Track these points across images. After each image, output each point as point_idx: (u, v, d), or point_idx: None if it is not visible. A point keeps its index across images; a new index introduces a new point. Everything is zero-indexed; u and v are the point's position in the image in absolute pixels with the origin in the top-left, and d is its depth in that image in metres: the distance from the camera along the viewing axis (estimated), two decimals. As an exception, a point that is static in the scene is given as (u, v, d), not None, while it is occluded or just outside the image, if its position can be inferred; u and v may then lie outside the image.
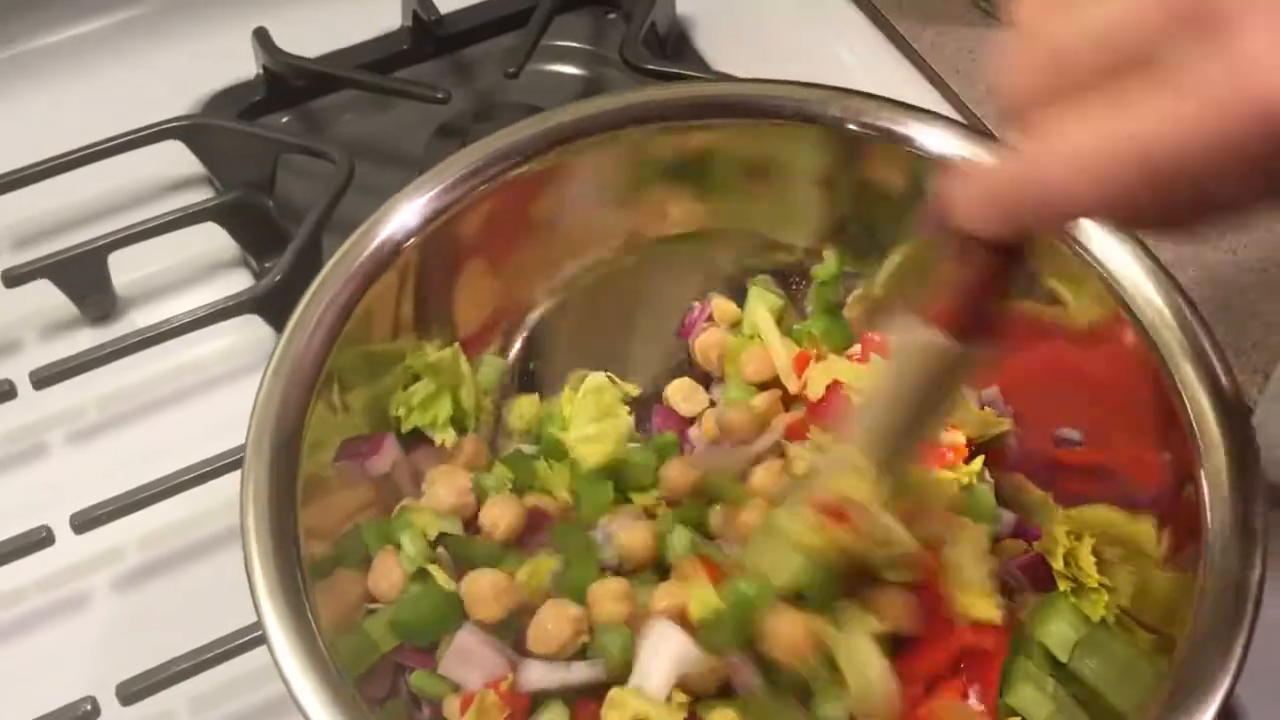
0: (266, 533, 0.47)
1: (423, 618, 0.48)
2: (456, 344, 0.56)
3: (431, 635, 0.48)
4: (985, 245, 0.38)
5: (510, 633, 0.48)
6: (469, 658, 0.47)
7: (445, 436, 0.54)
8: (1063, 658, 0.48)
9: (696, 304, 0.60)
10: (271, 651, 0.45)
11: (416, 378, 0.55)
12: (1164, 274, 0.49)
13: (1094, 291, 0.50)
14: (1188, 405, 0.47)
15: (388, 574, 0.50)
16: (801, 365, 0.56)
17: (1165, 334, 0.49)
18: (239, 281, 0.71)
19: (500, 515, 0.51)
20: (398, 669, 0.50)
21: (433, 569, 0.49)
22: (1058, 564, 0.49)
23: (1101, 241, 0.50)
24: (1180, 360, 0.48)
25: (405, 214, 0.54)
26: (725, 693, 0.46)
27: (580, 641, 0.47)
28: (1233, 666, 0.42)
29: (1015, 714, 0.47)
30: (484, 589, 0.48)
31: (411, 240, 0.53)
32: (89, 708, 0.53)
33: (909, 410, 0.44)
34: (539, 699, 0.47)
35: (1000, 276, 0.39)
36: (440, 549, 0.50)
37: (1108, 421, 0.51)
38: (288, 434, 0.49)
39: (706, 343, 0.58)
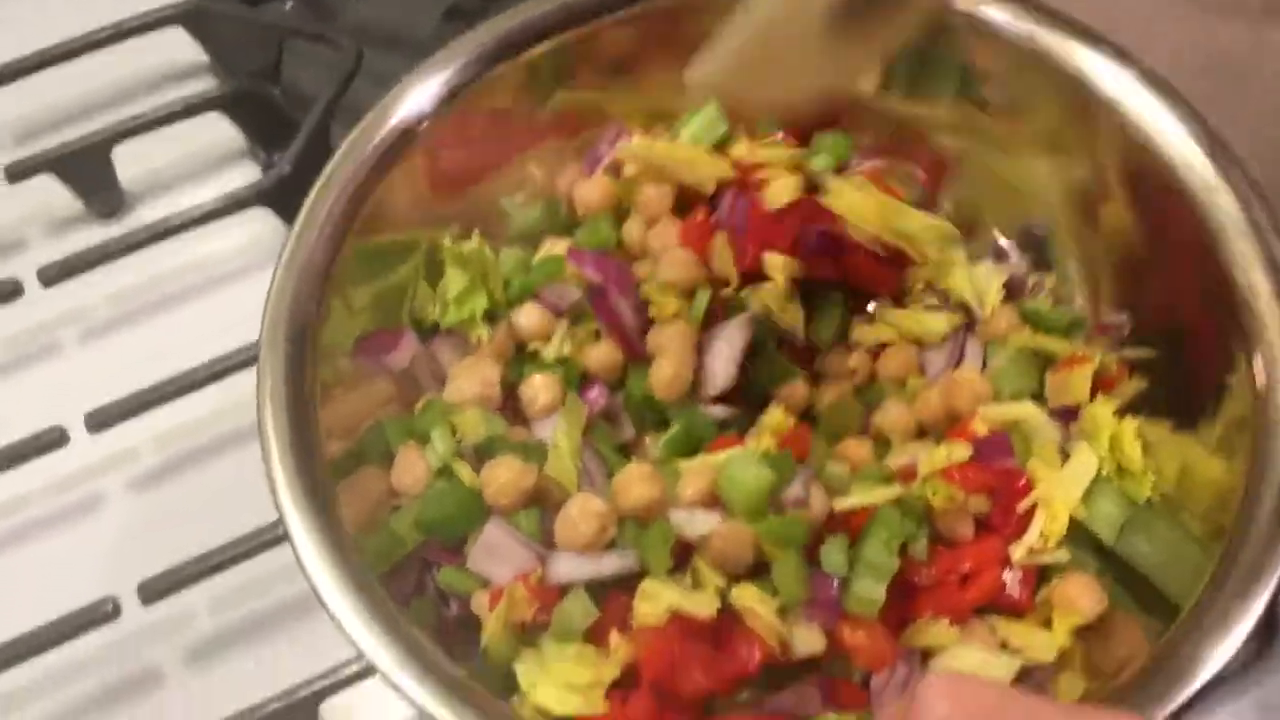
0: (285, 429, 0.45)
1: (448, 514, 0.47)
2: (477, 233, 0.54)
3: (458, 531, 0.47)
4: None
5: (538, 528, 0.47)
6: (497, 551, 0.46)
7: (481, 333, 0.53)
8: (1109, 540, 0.46)
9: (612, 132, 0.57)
10: (294, 548, 0.44)
11: (435, 270, 0.54)
12: (1221, 148, 0.46)
13: (1144, 163, 0.48)
14: (1242, 285, 0.45)
15: (411, 469, 0.48)
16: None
17: (1219, 209, 0.46)
18: (247, 174, 0.69)
19: (541, 389, 0.50)
20: (424, 565, 0.49)
21: (458, 465, 0.48)
22: (1101, 448, 0.47)
23: (1155, 113, 0.48)
24: (1234, 237, 0.46)
25: (418, 97, 0.51)
26: (758, 573, 0.45)
27: (608, 536, 0.46)
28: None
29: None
30: (505, 477, 0.46)
31: (425, 124, 0.51)
32: (110, 608, 0.53)
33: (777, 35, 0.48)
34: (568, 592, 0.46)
35: None
36: (464, 445, 0.49)
37: (1156, 304, 0.49)
38: (302, 328, 0.47)
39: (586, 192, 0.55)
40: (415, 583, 0.48)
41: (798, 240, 0.51)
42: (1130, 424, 0.47)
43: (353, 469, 0.48)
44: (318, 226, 0.49)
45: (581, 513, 0.46)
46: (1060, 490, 0.46)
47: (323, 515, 0.44)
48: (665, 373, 0.50)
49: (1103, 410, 0.48)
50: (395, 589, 0.44)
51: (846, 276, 0.53)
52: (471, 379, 0.50)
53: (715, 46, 0.54)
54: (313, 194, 0.49)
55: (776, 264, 0.51)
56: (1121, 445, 0.47)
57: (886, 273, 0.53)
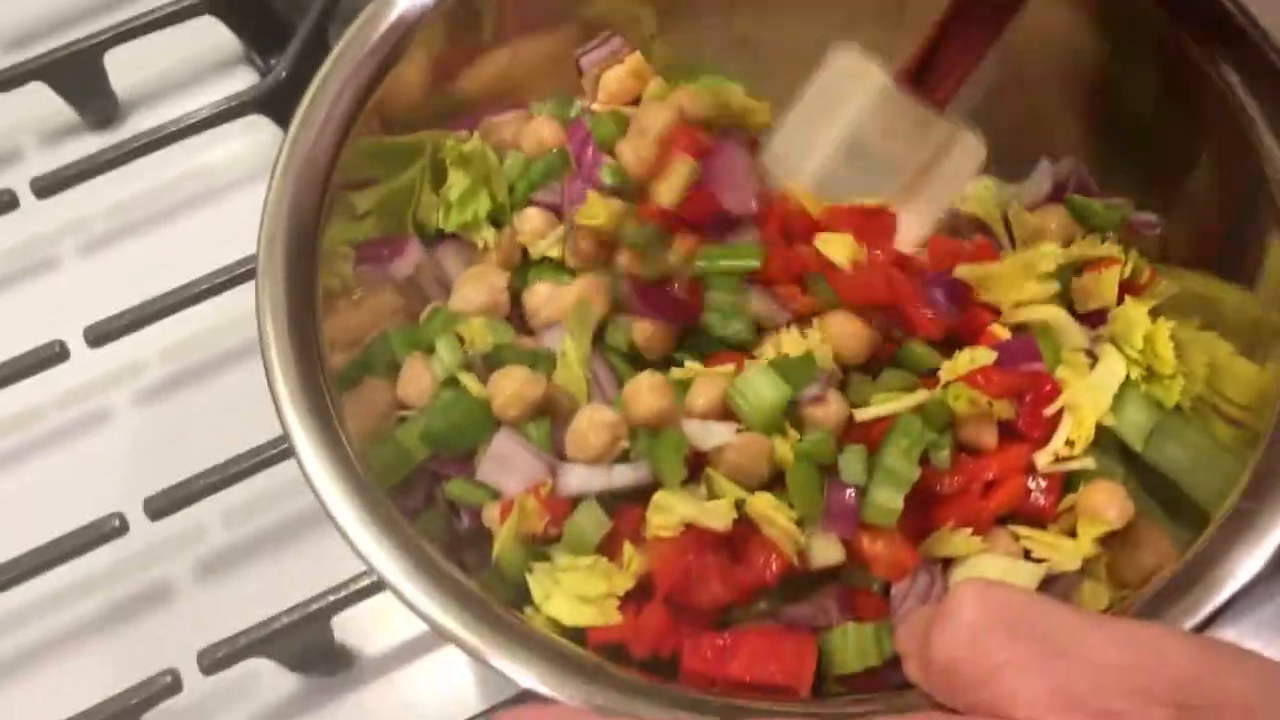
0: (286, 341, 0.44)
1: (455, 426, 0.46)
2: (478, 134, 0.52)
3: (465, 443, 0.46)
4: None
5: (548, 439, 0.46)
6: (507, 462, 0.45)
7: (486, 236, 0.51)
8: (1137, 446, 0.45)
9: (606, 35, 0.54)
10: (299, 462, 0.43)
11: (439, 175, 0.52)
12: (1257, 30, 0.44)
13: (1172, 55, 0.46)
14: (1274, 179, 0.43)
15: (416, 380, 0.47)
16: None
17: (1250, 99, 0.44)
18: (243, 81, 0.67)
19: (549, 298, 0.49)
20: (434, 478, 0.48)
21: (464, 376, 0.47)
22: (1134, 347, 0.46)
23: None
24: (1265, 129, 0.44)
25: (418, -9, 0.49)
26: (774, 484, 0.44)
27: (620, 447, 0.45)
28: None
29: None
30: (511, 388, 0.45)
31: (426, 19, 0.49)
32: (116, 524, 0.52)
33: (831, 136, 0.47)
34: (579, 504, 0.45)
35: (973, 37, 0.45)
36: (472, 354, 0.48)
37: (1187, 201, 0.47)
38: (302, 236, 0.46)
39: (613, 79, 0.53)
40: (425, 496, 0.47)
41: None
42: (1164, 325, 0.46)
43: (358, 381, 0.47)
44: (315, 129, 0.47)
45: (591, 424, 0.44)
46: (1088, 396, 0.45)
47: (329, 429, 0.43)
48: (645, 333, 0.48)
49: (1136, 311, 0.46)
50: (404, 503, 0.43)
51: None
52: (478, 287, 0.49)
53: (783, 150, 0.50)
54: (309, 94, 0.47)
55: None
56: (1154, 347, 0.45)
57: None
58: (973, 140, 0.49)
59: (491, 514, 0.46)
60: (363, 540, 0.41)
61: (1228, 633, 0.51)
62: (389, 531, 0.41)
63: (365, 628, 0.53)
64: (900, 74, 0.47)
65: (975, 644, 0.30)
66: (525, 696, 0.39)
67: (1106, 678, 0.29)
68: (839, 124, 0.48)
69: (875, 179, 0.49)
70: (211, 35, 0.67)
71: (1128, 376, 0.45)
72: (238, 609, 0.50)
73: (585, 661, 0.39)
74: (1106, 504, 0.43)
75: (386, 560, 0.41)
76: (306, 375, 0.44)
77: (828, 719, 0.38)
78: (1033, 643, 0.30)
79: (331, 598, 0.49)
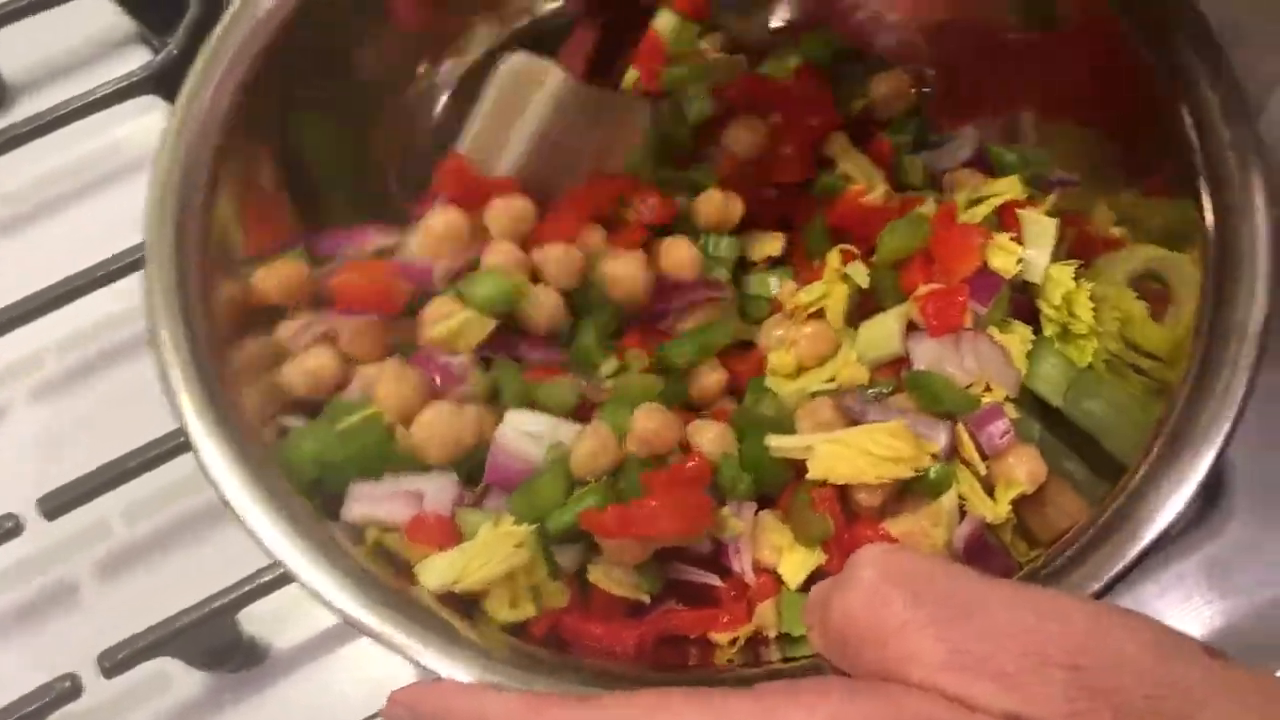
0: (180, 325, 0.42)
1: (351, 460, 0.42)
2: None
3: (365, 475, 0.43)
4: None
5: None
6: (373, 513, 0.42)
7: None
8: (1055, 401, 0.44)
9: None
10: (197, 455, 0.41)
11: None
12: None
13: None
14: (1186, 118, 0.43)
15: (303, 364, 0.45)
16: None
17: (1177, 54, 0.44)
18: (139, 61, 0.64)
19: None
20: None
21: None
22: (1053, 303, 0.45)
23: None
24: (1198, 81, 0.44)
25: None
26: None
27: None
28: (1231, 415, 0.39)
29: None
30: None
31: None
32: (10, 525, 0.50)
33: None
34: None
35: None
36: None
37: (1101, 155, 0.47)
38: (190, 215, 0.44)
39: None
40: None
41: None
42: (1085, 288, 0.45)
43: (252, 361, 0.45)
44: (203, 108, 0.45)
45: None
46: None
47: (224, 420, 0.41)
48: None
49: (1060, 271, 0.45)
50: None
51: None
52: None
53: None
54: (199, 63, 0.46)
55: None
56: (1073, 307, 0.45)
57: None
58: (641, 102, 0.51)
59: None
60: (264, 529, 0.39)
61: (1149, 587, 0.51)
62: (290, 520, 0.39)
63: (277, 621, 0.51)
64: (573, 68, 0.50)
65: (874, 606, 0.30)
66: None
67: (1005, 641, 0.29)
68: (527, 122, 0.49)
69: (568, 166, 0.49)
70: (103, 15, 0.65)
71: (1043, 335, 0.45)
72: (143, 608, 0.48)
73: (491, 645, 0.38)
74: (1016, 465, 0.43)
75: (289, 548, 0.39)
76: (200, 360, 0.42)
77: (722, 685, 0.37)
78: (933, 605, 0.29)
79: (235, 593, 0.48)
